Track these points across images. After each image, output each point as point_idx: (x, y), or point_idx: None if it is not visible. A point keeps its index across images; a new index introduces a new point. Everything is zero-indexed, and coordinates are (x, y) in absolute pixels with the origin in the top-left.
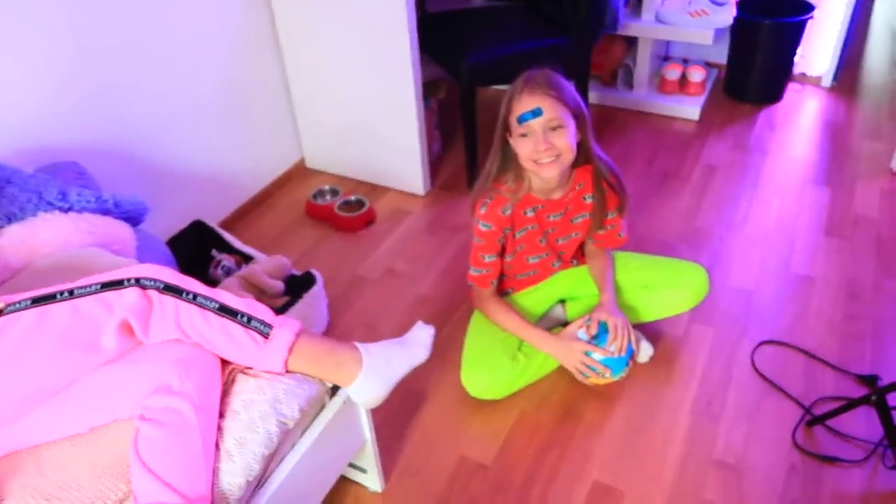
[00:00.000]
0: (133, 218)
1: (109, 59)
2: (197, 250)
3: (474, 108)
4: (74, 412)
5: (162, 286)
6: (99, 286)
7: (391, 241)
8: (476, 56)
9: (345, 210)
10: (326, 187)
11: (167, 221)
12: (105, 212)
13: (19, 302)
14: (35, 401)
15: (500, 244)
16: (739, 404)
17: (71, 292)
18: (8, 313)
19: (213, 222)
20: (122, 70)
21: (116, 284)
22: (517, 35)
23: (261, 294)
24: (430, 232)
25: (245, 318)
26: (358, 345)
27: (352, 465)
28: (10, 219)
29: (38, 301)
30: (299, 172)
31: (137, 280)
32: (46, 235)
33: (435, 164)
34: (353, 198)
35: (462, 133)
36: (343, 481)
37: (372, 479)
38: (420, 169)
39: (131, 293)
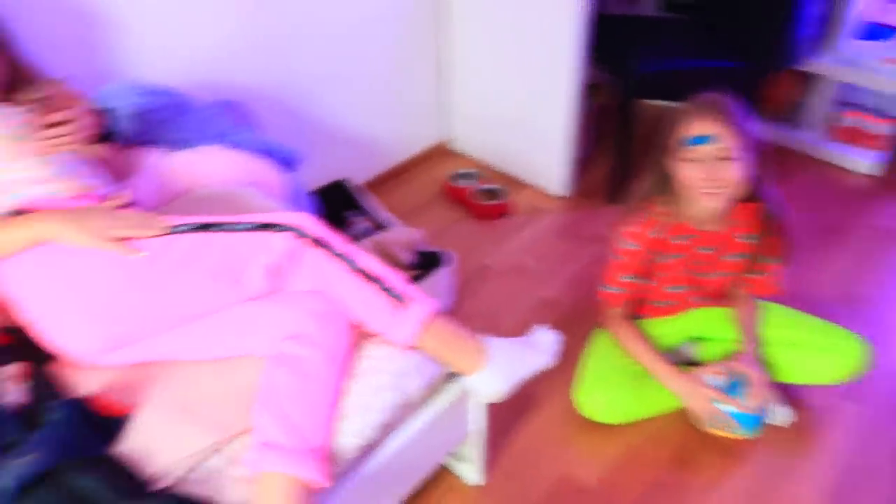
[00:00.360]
0: (286, 165)
1: (285, 9)
2: (334, 209)
3: (633, 118)
4: (213, 339)
5: (312, 238)
6: (255, 225)
7: (524, 237)
8: (645, 65)
9: (482, 197)
10: (466, 171)
11: (310, 175)
12: (263, 154)
13: (184, 225)
14: (178, 320)
15: (642, 266)
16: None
17: (229, 226)
18: (173, 234)
19: (357, 183)
20: (295, 23)
21: (271, 227)
22: (690, 51)
23: (390, 261)
24: (565, 236)
25: (385, 286)
26: (485, 338)
27: (450, 454)
28: (182, 145)
29: (200, 227)
30: (441, 151)
31: (290, 227)
32: (209, 167)
33: (579, 168)
34: (491, 186)
35: (613, 143)
36: (438, 468)
37: (470, 471)
38: (564, 170)
39: (283, 238)
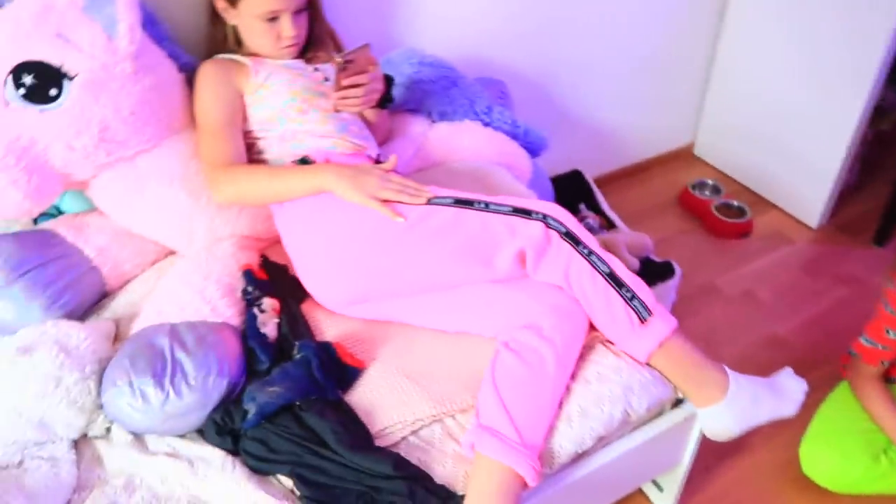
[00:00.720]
0: (532, 149)
1: None
2: (568, 199)
3: None
4: (451, 312)
5: (564, 231)
6: (511, 209)
7: (762, 263)
8: None
9: (723, 212)
10: (709, 181)
11: (549, 159)
12: (514, 136)
13: (444, 198)
14: (423, 287)
15: None
16: None
17: (487, 205)
18: (432, 204)
19: (589, 176)
20: (566, 9)
21: (525, 213)
22: None
23: None
24: (811, 271)
25: (629, 294)
26: (728, 371)
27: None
28: (443, 116)
29: (458, 203)
30: (684, 156)
31: (545, 216)
32: (467, 142)
33: (840, 198)
34: (734, 202)
35: (891, 176)
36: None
37: (664, 502)
38: (824, 198)
39: (536, 227)
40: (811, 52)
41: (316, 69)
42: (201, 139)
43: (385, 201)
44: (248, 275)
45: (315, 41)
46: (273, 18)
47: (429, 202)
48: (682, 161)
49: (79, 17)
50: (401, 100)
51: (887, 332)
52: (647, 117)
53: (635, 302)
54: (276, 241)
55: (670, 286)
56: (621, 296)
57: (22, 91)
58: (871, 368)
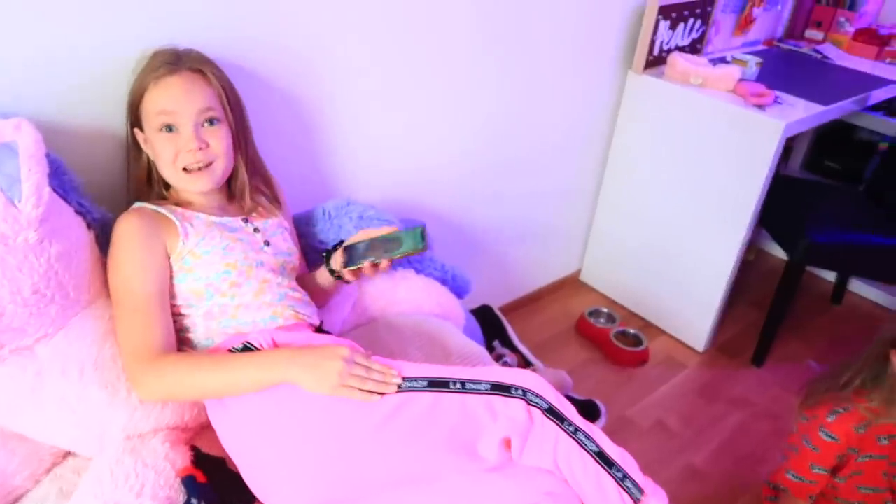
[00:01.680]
0: (459, 292)
1: (474, 132)
2: (482, 334)
3: (797, 285)
4: None
5: (546, 407)
6: (489, 387)
7: (664, 390)
8: (819, 235)
9: (621, 341)
10: (603, 309)
11: None
12: (444, 281)
13: (416, 380)
14: (401, 484)
15: (836, 461)
16: None
17: (463, 385)
18: (405, 390)
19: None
20: (477, 149)
21: (504, 390)
22: (865, 225)
23: None
24: (706, 396)
25: (620, 474)
26: None
27: None
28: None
29: (433, 385)
30: (572, 283)
31: (524, 392)
32: (403, 293)
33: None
34: (630, 330)
35: (771, 305)
36: None
37: None
38: (709, 325)
39: (517, 406)
40: (692, 188)
41: (256, 230)
42: (120, 318)
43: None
44: (190, 482)
45: (245, 187)
46: (171, 129)
47: (399, 388)
48: (570, 288)
49: None
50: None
51: (812, 467)
52: (540, 244)
53: (627, 482)
54: (206, 426)
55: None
56: (612, 476)
57: None
58: (800, 502)
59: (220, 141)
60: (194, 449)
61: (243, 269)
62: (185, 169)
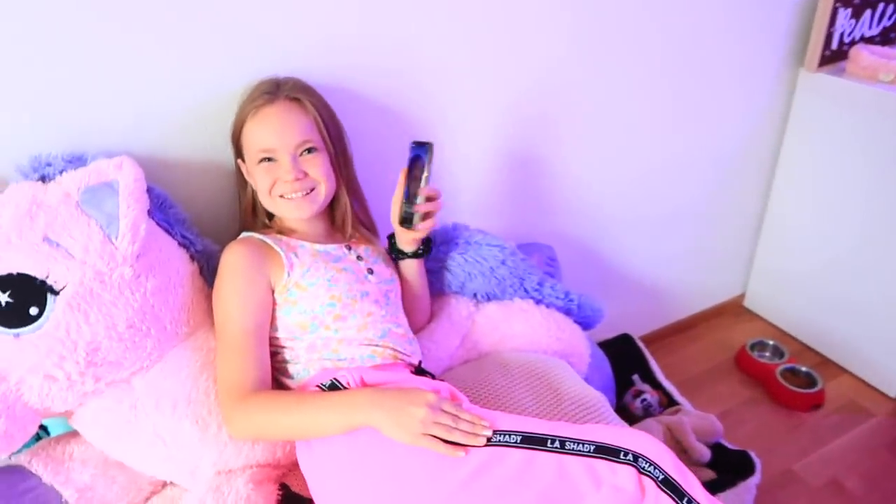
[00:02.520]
0: (587, 323)
1: (586, 132)
2: (619, 368)
3: None
4: None
5: (661, 478)
6: (593, 448)
7: (842, 443)
8: None
9: (789, 380)
10: (769, 341)
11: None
12: (568, 311)
13: (509, 434)
14: None
15: None
16: None
17: (563, 444)
18: (495, 444)
19: (637, 338)
20: (613, 165)
21: (612, 453)
22: None
23: (681, 453)
24: None
25: None
26: None
27: None
28: (490, 297)
29: (528, 441)
30: (734, 309)
31: (636, 457)
32: (519, 327)
33: None
34: (802, 368)
35: None
36: None
37: None
38: None
39: (626, 474)
40: (884, 205)
41: (359, 258)
42: (219, 351)
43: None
44: None
45: (347, 214)
46: (270, 160)
47: (489, 441)
48: (733, 315)
49: (73, 215)
50: (442, 284)
51: None
52: (693, 267)
53: None
54: (298, 463)
55: (751, 485)
56: None
57: None
58: None
59: (318, 169)
60: (283, 487)
61: (347, 302)
62: (281, 196)
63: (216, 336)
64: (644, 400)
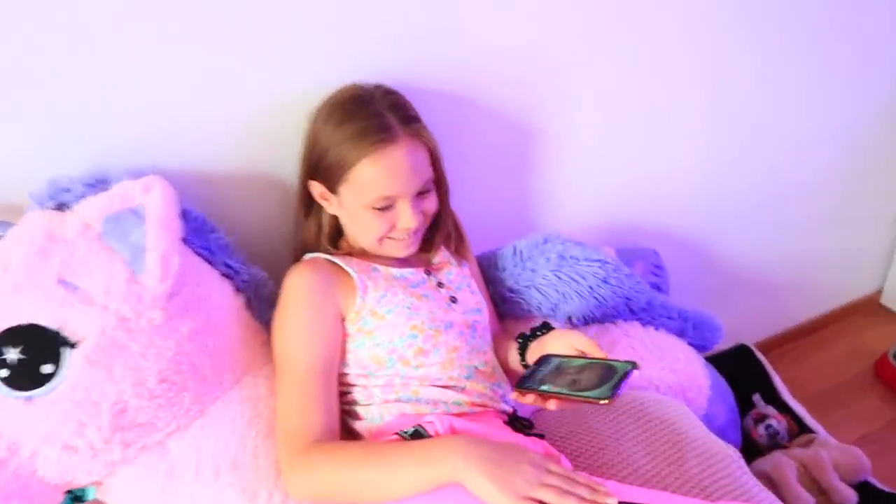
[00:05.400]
0: (702, 345)
1: (696, 127)
2: (737, 386)
3: None
4: None
5: None
6: None
7: None
8: None
9: None
10: None
11: None
12: (681, 332)
13: None
14: None
15: None
16: None
17: None
18: None
19: (754, 348)
20: (722, 149)
21: None
22: None
23: (820, 495)
24: None
25: None
26: None
27: None
28: (588, 321)
29: None
30: (869, 308)
31: None
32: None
33: None
34: None
35: None
36: None
37: None
38: None
39: None
40: None
41: (440, 285)
42: (280, 392)
43: None
44: None
45: (440, 240)
46: (387, 207)
47: None
48: (869, 314)
49: (93, 250)
50: (531, 306)
51: None
52: (813, 263)
53: None
54: None
55: None
56: None
57: (3, 373)
58: None
59: (431, 205)
60: None
61: (430, 334)
62: (391, 238)
63: (277, 375)
64: (769, 427)
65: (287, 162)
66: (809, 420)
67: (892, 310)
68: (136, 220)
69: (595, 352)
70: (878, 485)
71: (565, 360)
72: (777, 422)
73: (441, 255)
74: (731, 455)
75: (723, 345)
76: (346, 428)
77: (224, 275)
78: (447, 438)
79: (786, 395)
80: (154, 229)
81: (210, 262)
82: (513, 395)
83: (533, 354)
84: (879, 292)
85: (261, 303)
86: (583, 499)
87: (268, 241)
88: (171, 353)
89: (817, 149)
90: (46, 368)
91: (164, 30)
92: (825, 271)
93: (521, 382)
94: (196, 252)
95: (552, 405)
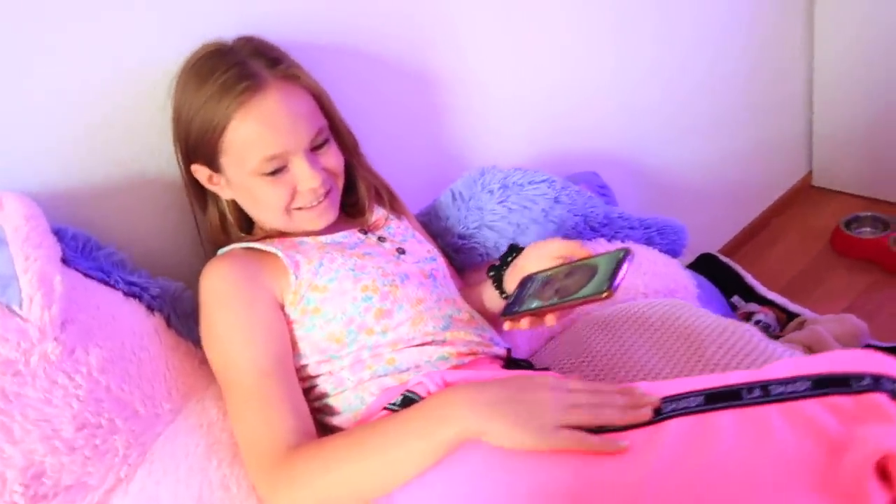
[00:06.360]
0: (672, 251)
1: (624, 57)
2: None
3: None
4: None
5: None
6: (810, 384)
7: None
8: None
9: None
10: (864, 214)
11: None
12: (648, 242)
13: (683, 397)
14: None
15: None
16: None
17: (765, 389)
18: (669, 415)
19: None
20: (641, 63)
21: (839, 384)
22: None
23: None
24: None
25: None
26: None
27: None
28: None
29: (715, 399)
30: (805, 192)
31: (877, 379)
32: None
33: None
34: None
35: None
36: None
37: None
38: None
39: (878, 404)
40: None
41: (381, 239)
42: (231, 410)
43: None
44: None
45: (365, 199)
46: (279, 169)
47: (658, 413)
48: (805, 199)
49: None
50: (487, 247)
51: None
52: (749, 163)
53: None
54: None
55: None
56: None
57: None
58: None
59: (333, 160)
60: None
61: (386, 291)
62: (300, 208)
63: (224, 391)
64: (759, 322)
65: (163, 152)
66: (793, 306)
67: (826, 188)
68: None
69: (579, 252)
70: (881, 343)
71: (549, 272)
72: (765, 315)
73: (375, 214)
74: (747, 328)
75: (683, 259)
76: (322, 430)
77: (128, 294)
78: (444, 394)
79: (762, 290)
80: (19, 249)
81: (107, 284)
82: (506, 326)
83: (511, 284)
84: (810, 174)
85: (183, 319)
86: (623, 407)
87: (172, 250)
88: (84, 392)
89: (716, 42)
90: None
91: None
92: (754, 168)
93: (508, 309)
94: (86, 275)
95: (550, 320)
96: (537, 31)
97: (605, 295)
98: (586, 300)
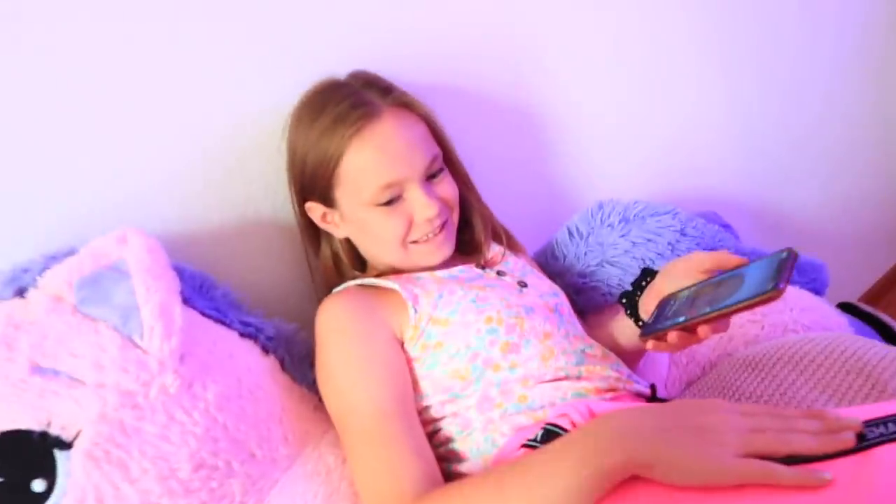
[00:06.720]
0: (814, 290)
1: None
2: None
3: None
4: None
5: None
6: None
7: None
8: None
9: None
10: None
11: None
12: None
13: (886, 421)
14: None
15: None
16: None
17: None
18: (873, 443)
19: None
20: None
21: None
22: None
23: None
24: None
25: None
26: None
27: None
28: None
29: None
30: None
31: None
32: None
33: None
34: None
35: None
36: None
37: None
38: None
39: None
40: None
41: (500, 273)
42: (351, 455)
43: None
44: None
45: (482, 233)
46: (394, 199)
47: (861, 439)
48: None
49: (70, 325)
50: (610, 285)
51: None
52: (889, 201)
53: None
54: None
55: None
56: None
57: None
58: None
59: (449, 190)
60: None
61: (512, 323)
62: (415, 241)
63: (342, 436)
64: None
65: (278, 193)
66: None
67: None
68: (118, 276)
69: (730, 262)
70: None
71: (692, 288)
72: None
73: (492, 250)
74: None
75: None
76: (448, 480)
77: (244, 335)
78: (596, 423)
79: None
80: (142, 280)
81: (223, 324)
82: (648, 345)
83: (648, 309)
84: None
85: (298, 363)
86: (816, 433)
87: (284, 294)
88: (202, 429)
89: (829, 79)
90: (38, 486)
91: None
92: (890, 209)
93: (649, 327)
94: (204, 314)
95: (703, 331)
96: (639, 66)
97: (773, 294)
98: (750, 303)
